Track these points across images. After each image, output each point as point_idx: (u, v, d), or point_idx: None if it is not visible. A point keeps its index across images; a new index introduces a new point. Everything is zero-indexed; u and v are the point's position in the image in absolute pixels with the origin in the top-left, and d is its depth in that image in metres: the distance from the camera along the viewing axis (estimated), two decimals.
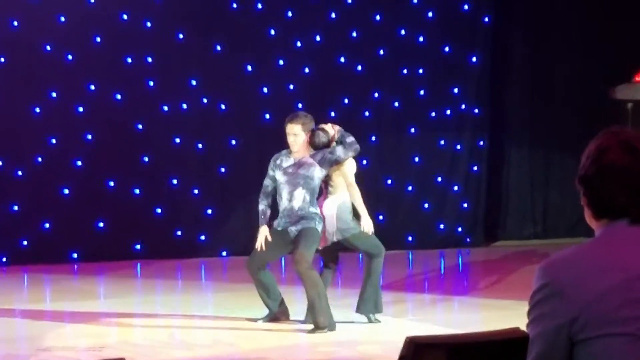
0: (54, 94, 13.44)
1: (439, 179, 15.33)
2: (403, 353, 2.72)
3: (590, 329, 2.51)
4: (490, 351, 2.84)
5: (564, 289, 2.52)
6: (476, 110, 15.46)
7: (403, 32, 15.07)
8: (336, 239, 9.10)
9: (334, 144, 9.19)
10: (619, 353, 2.51)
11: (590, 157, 2.63)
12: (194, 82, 14.15)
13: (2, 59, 13.21)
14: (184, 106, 14.11)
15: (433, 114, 15.19)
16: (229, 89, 14.22)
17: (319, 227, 9.00)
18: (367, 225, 9.06)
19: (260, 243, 8.99)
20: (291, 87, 14.49)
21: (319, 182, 9.13)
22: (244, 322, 9.38)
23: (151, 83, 13.94)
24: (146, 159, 13.93)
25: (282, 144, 14.37)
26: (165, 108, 14.02)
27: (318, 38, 14.71)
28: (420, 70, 15.13)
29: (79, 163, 13.59)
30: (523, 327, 2.85)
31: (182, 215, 14.05)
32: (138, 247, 13.77)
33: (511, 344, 2.80)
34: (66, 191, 13.51)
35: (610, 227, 2.63)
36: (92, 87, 13.61)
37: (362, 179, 12.47)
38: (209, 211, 14.23)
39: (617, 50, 15.00)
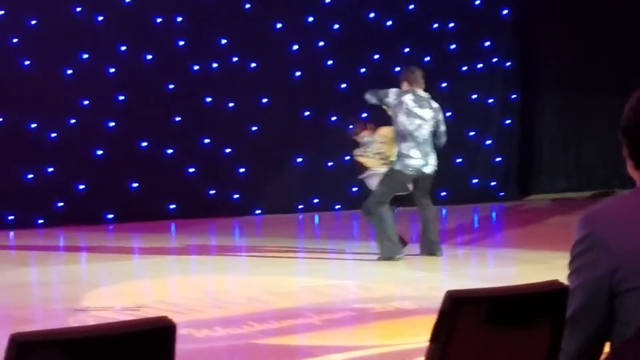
0: (85, 56, 13.46)
1: (472, 133, 15.26)
2: (443, 308, 2.71)
3: (631, 279, 2.49)
4: (530, 304, 2.83)
5: (605, 240, 2.50)
6: (508, 64, 15.34)
7: None
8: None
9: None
10: None
11: (632, 108, 2.59)
12: (223, 41, 14.12)
13: (34, 22, 13.23)
14: (214, 65, 14.09)
15: (464, 68, 15.08)
16: (259, 47, 14.17)
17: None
18: None
19: None
20: (321, 44, 14.42)
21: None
22: (277, 280, 9.42)
23: (181, 43, 13.92)
24: (178, 119, 13.95)
25: (313, 101, 14.43)
26: (196, 67, 14.01)
27: None
28: (451, 25, 15.01)
29: (112, 124, 13.63)
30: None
31: (215, 174, 14.08)
32: (172, 207, 13.83)
33: (551, 296, 2.78)
34: (99, 152, 13.56)
35: None
36: (123, 48, 13.62)
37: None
38: (242, 170, 14.24)
39: None
